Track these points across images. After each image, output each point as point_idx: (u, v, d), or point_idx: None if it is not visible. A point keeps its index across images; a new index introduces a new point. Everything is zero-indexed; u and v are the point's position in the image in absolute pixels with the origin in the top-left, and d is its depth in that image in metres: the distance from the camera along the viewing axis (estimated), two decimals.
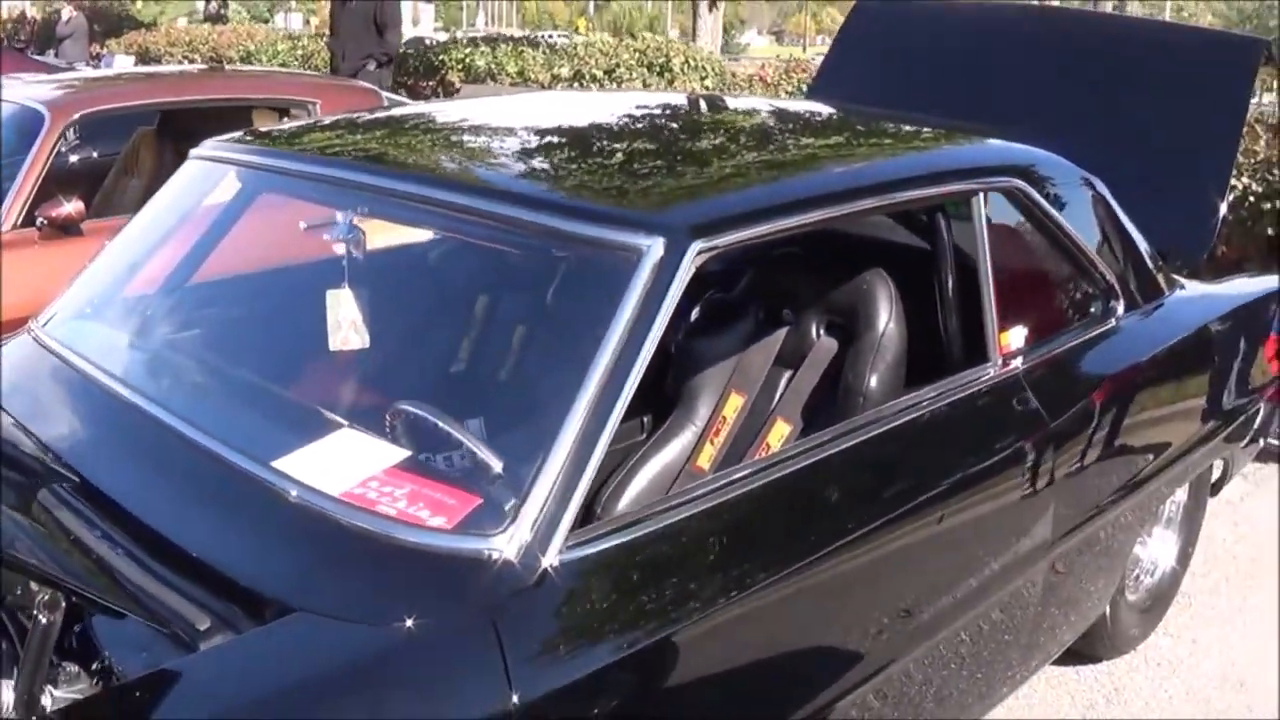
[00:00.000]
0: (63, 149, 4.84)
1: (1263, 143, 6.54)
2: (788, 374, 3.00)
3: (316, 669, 1.83)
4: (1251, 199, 6.29)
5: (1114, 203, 3.44)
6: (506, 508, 1.98)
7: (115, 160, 5.52)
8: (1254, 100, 6.93)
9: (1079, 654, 3.63)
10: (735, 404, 2.96)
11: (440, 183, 2.56)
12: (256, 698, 1.76)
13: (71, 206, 4.41)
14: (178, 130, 5.30)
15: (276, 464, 2.13)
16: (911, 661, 2.60)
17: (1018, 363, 2.89)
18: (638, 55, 11.95)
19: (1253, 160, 6.39)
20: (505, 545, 1.94)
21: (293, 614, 1.88)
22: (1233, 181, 5.45)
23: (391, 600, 1.89)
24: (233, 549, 2.03)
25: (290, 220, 2.75)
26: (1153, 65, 4.02)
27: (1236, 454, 3.95)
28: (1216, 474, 3.96)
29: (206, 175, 3.01)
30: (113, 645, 1.90)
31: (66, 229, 4.43)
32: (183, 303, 2.96)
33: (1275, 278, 4.12)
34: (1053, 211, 3.15)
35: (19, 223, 4.46)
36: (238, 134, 3.03)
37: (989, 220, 2.93)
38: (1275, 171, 6.35)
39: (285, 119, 5.48)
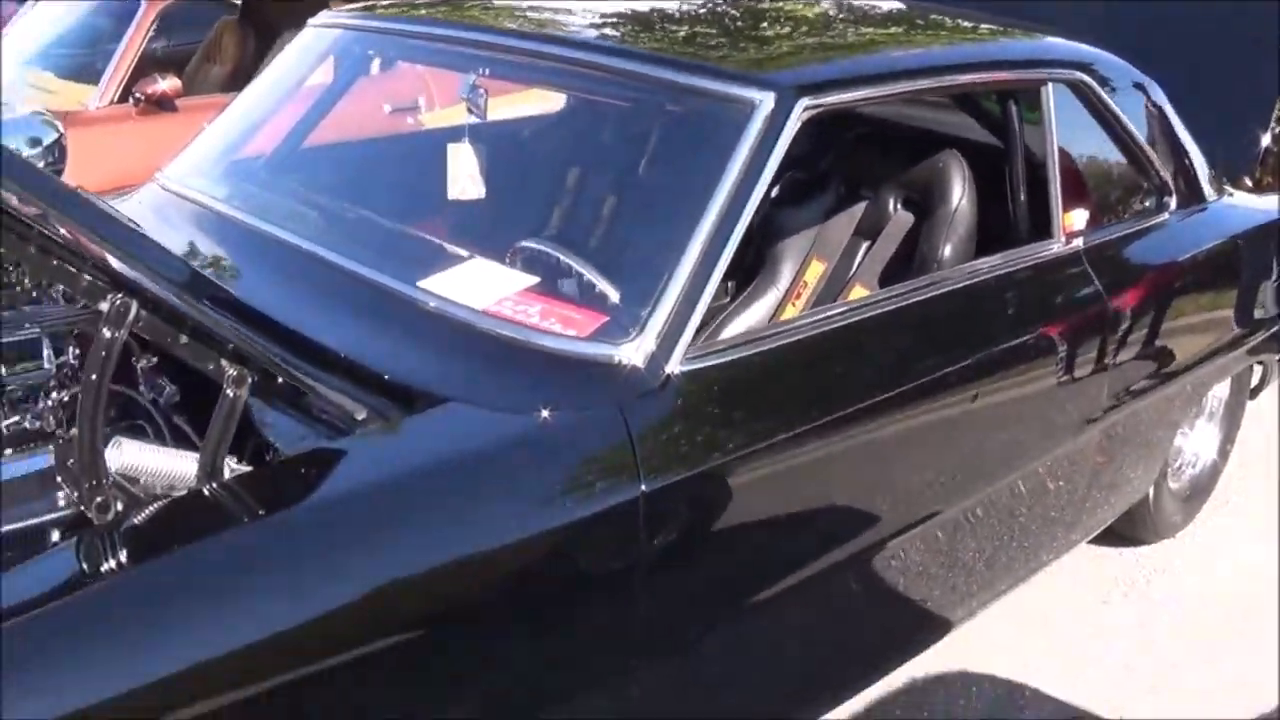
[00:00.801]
0: (153, 34, 5.04)
1: None
2: (866, 244, 3.22)
3: (466, 448, 2.05)
4: None
5: (1168, 107, 3.64)
6: (633, 322, 2.21)
7: (197, 48, 5.71)
8: None
9: (1122, 536, 3.90)
10: (816, 270, 3.19)
11: (560, 41, 2.77)
12: (413, 470, 1.99)
13: (167, 83, 4.64)
14: (258, 19, 5.50)
15: (421, 284, 2.35)
16: (963, 511, 2.83)
17: (1079, 242, 3.12)
18: None
19: None
20: (633, 353, 2.17)
21: (445, 403, 2.09)
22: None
23: (532, 395, 2.11)
24: (384, 354, 2.25)
25: (405, 84, 2.95)
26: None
27: (1272, 362, 4.15)
28: (1255, 379, 4.17)
29: (323, 41, 3.21)
30: (280, 429, 2.10)
31: (162, 105, 4.65)
32: (306, 158, 3.18)
33: None
34: (1113, 106, 3.36)
35: (116, 99, 4.68)
36: (356, 4, 3.23)
37: (1055, 109, 3.12)
38: None
39: None
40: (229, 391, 1.94)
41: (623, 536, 2.09)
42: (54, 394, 2.27)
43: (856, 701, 3.08)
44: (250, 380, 1.96)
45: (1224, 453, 4.14)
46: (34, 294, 2.46)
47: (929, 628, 2.98)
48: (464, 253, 2.53)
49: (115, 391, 2.26)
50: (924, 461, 2.69)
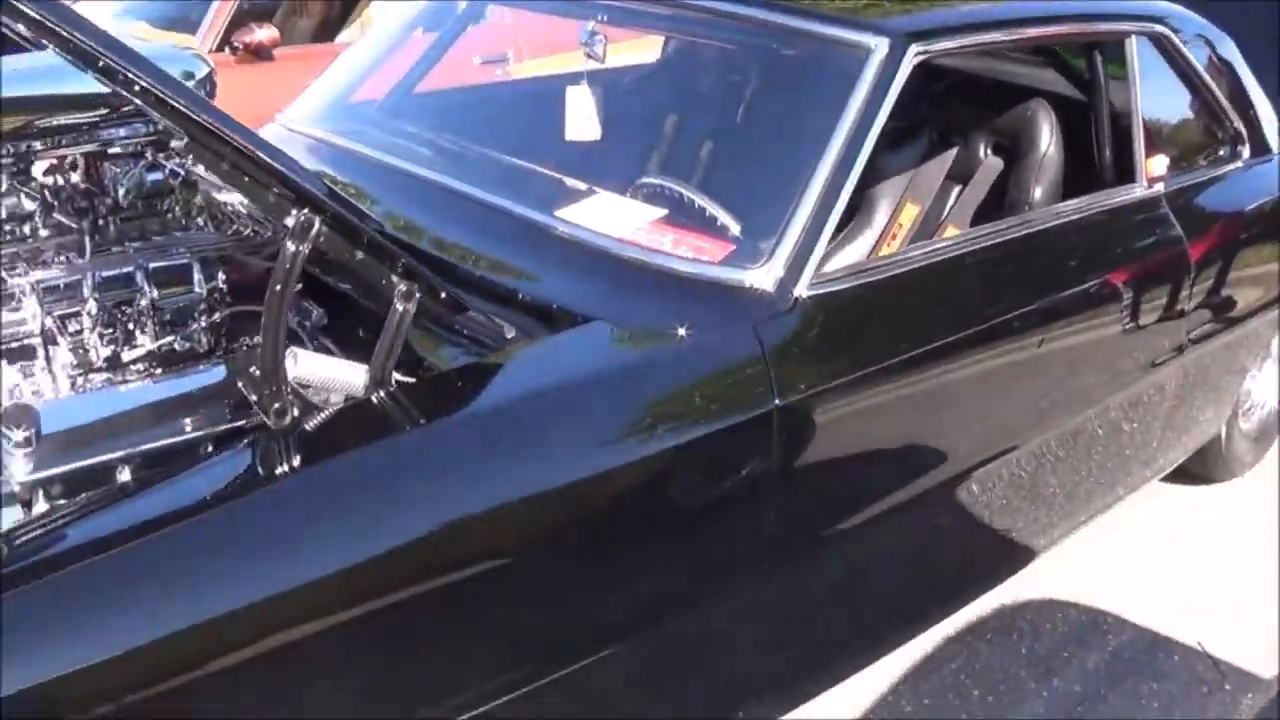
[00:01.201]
0: None
1: None
2: (957, 188, 3.37)
3: (610, 364, 2.22)
4: None
5: (1238, 59, 3.77)
6: (762, 250, 2.37)
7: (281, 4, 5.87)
8: None
9: (1195, 474, 4.07)
10: (910, 213, 3.33)
11: None
12: (561, 384, 2.17)
13: (265, 34, 4.80)
14: None
15: (558, 214, 2.51)
16: (1045, 443, 3.00)
17: (1160, 187, 3.26)
18: None
19: None
20: (763, 278, 2.33)
21: (588, 323, 2.25)
22: None
23: (673, 315, 2.28)
24: (526, 279, 2.40)
25: (513, 33, 3.09)
26: None
27: None
28: None
29: None
30: (434, 346, 2.29)
31: (259, 54, 4.80)
32: (421, 102, 3.35)
33: None
34: (1191, 58, 3.50)
35: (214, 48, 4.84)
36: None
37: (1142, 62, 3.26)
38: None
39: None
40: (398, 306, 2.10)
41: (757, 447, 2.25)
42: (204, 316, 2.43)
43: (951, 623, 3.27)
44: (418, 295, 2.11)
45: None
46: (183, 222, 2.63)
47: (1015, 554, 3.14)
48: (588, 188, 2.68)
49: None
50: (1012, 393, 2.84)
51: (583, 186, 2.72)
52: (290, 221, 1.98)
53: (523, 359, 2.24)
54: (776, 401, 2.24)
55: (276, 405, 2.02)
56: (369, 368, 2.12)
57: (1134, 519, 3.86)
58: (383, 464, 1.97)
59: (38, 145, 2.46)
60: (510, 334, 2.29)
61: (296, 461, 1.95)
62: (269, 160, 1.95)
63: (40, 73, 2.48)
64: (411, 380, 2.22)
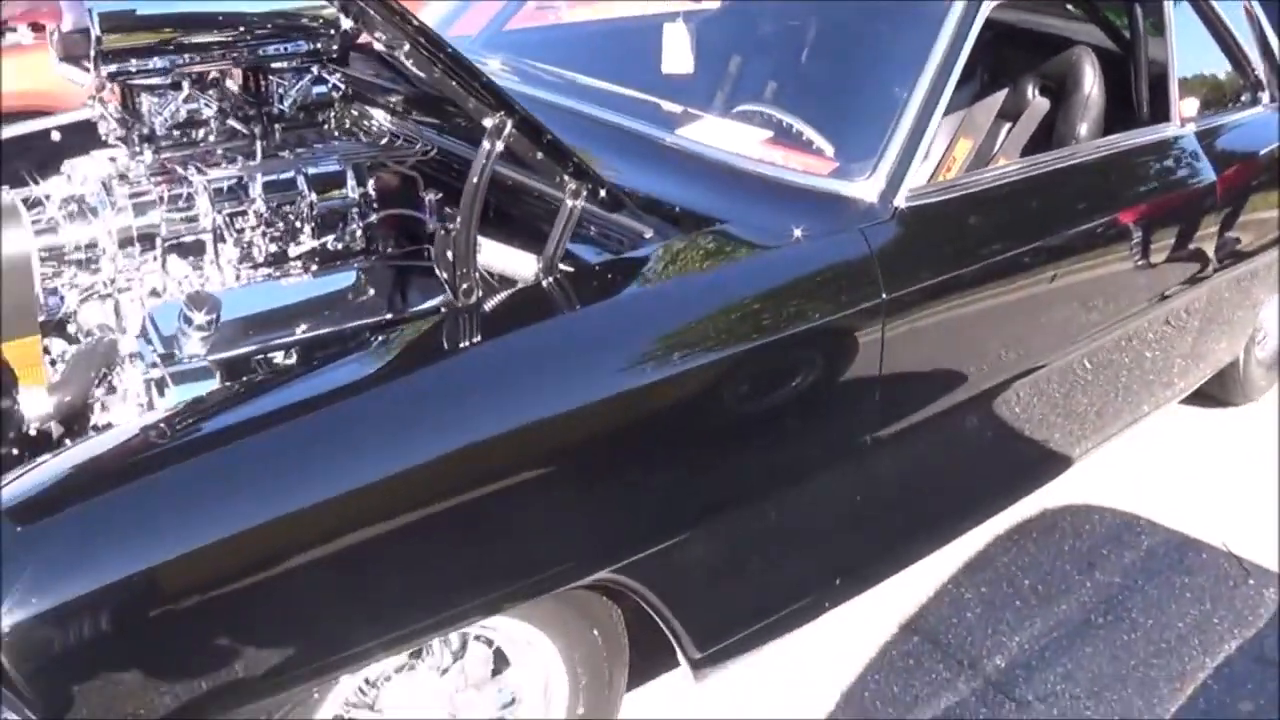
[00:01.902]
0: None
1: None
2: (1007, 125, 3.72)
3: (737, 261, 2.56)
4: None
5: (1262, 15, 4.14)
6: (866, 165, 2.72)
7: None
8: None
9: (1215, 398, 4.50)
10: (964, 147, 3.69)
11: None
12: (696, 277, 2.52)
13: None
14: None
15: (687, 133, 2.84)
16: (1088, 354, 3.36)
17: (1191, 126, 3.62)
18: None
19: None
20: (868, 190, 2.69)
21: (715, 225, 2.60)
22: None
23: (790, 220, 2.62)
24: (654, 189, 2.72)
25: None
26: None
27: None
28: None
29: None
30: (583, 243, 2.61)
31: None
32: (515, 39, 3.66)
33: None
34: (1219, 10, 3.84)
35: None
36: None
37: (1176, 10, 3.62)
38: None
39: None
40: (569, 201, 2.44)
41: (866, 336, 2.59)
42: (355, 218, 2.75)
43: (999, 524, 3.70)
44: (585, 193, 2.44)
45: None
46: (337, 133, 2.95)
47: (1056, 458, 3.50)
48: (697, 113, 3.02)
49: (408, 217, 2.78)
50: (1062, 305, 3.18)
51: (693, 111, 3.04)
52: (488, 122, 2.30)
53: (660, 256, 2.56)
54: (884, 295, 2.58)
55: (465, 285, 2.36)
56: (539, 257, 2.44)
57: (1161, 436, 4.27)
58: (549, 340, 2.30)
59: (217, 56, 2.75)
60: (648, 234, 2.61)
61: (476, 336, 2.28)
62: (473, 67, 2.28)
63: None
64: (572, 270, 2.53)
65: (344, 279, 2.73)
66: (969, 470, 3.25)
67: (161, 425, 1.98)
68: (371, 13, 2.20)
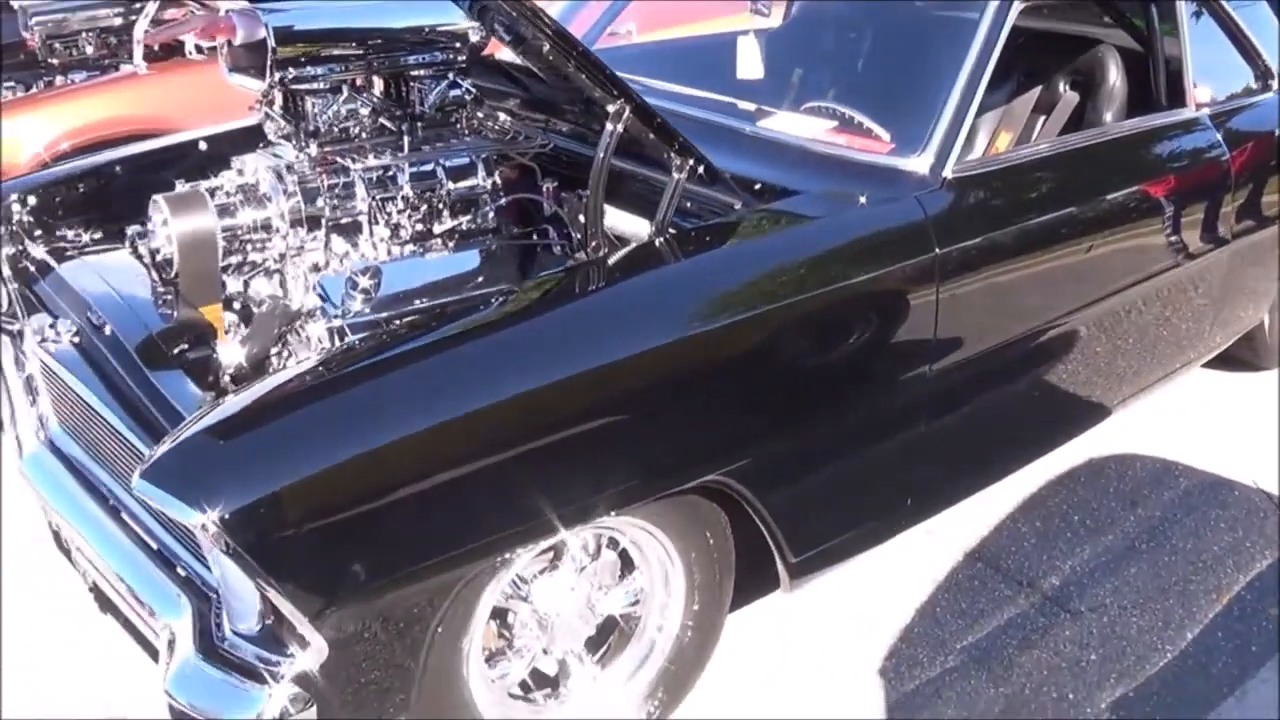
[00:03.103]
0: None
1: None
2: (1042, 118, 4.30)
3: (815, 222, 3.14)
4: None
5: (1269, 8, 4.71)
6: (918, 144, 3.31)
7: None
8: None
9: (1245, 362, 5.07)
10: (1005, 139, 4.27)
11: None
12: (780, 236, 3.11)
13: None
14: None
15: (765, 125, 3.45)
16: (1119, 311, 3.91)
17: (1205, 110, 4.19)
18: None
19: None
20: (921, 164, 3.28)
21: (795, 195, 3.18)
22: None
23: (854, 189, 3.20)
24: (744, 169, 3.31)
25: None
26: None
27: None
28: None
29: None
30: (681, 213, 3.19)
31: None
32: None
33: None
34: (1229, 8, 4.42)
35: None
36: None
37: (1189, 7, 4.20)
38: None
39: None
40: (675, 175, 3.03)
41: (922, 286, 3.16)
42: (485, 203, 3.35)
43: (1051, 469, 4.30)
44: (689, 167, 3.03)
45: None
46: (466, 131, 3.54)
47: (1098, 405, 4.08)
48: (770, 110, 3.62)
49: (528, 201, 3.38)
50: (1093, 267, 3.73)
51: (765, 108, 3.65)
52: (611, 108, 2.91)
53: (750, 221, 3.16)
54: (937, 250, 3.16)
55: (594, 242, 2.96)
56: (652, 222, 3.04)
57: (1195, 395, 4.86)
58: (660, 285, 2.91)
59: (368, 65, 3.35)
60: (738, 204, 3.20)
61: (604, 282, 2.89)
62: (599, 61, 2.88)
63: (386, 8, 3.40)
64: (674, 232, 3.11)
65: (476, 254, 3.32)
66: (1018, 409, 3.81)
67: (337, 361, 2.58)
68: (518, 16, 2.79)
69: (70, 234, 3.59)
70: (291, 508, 2.28)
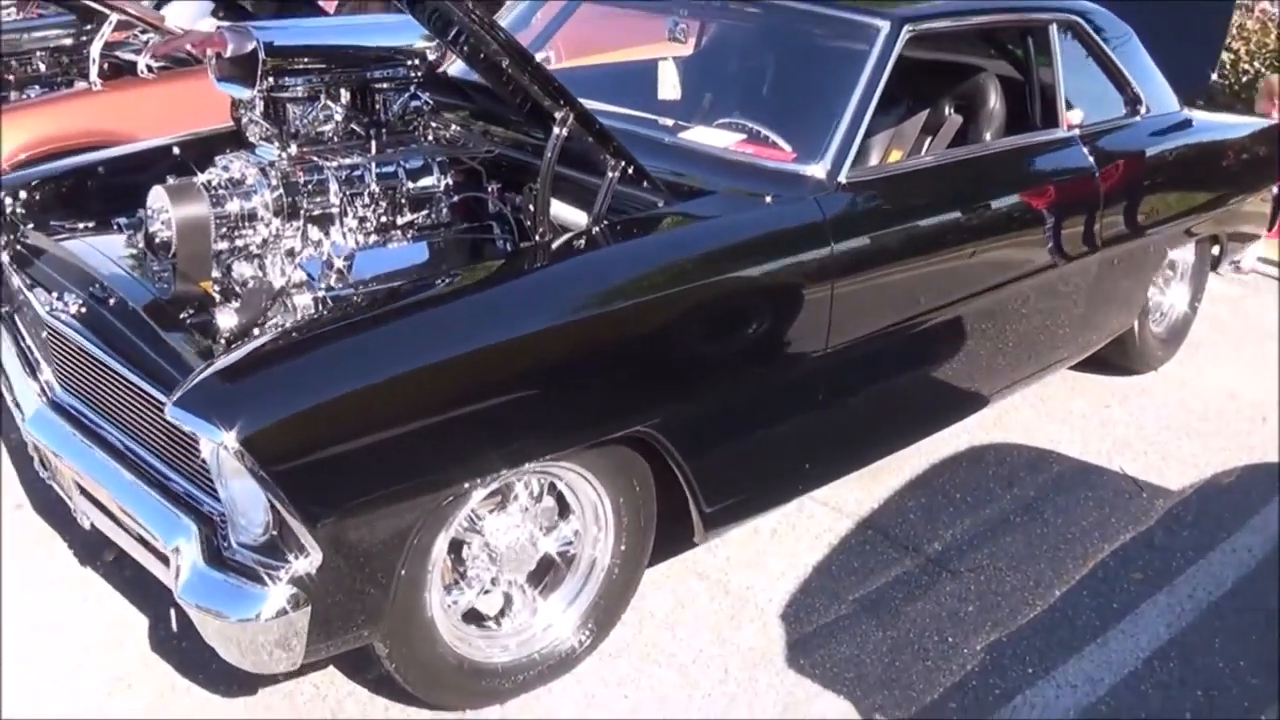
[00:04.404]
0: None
1: (1273, 36, 9.10)
2: (929, 138, 5.06)
3: (726, 217, 3.85)
4: (1260, 80, 8.92)
5: (1139, 45, 5.54)
6: (816, 154, 4.04)
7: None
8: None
9: (1118, 365, 5.90)
10: (895, 156, 5.02)
11: None
12: (695, 227, 3.80)
13: None
14: None
15: (684, 136, 4.19)
16: (997, 303, 4.66)
17: (1076, 130, 5.00)
18: None
19: (1263, 50, 9.17)
20: (819, 170, 4.01)
21: (710, 194, 3.91)
22: (1245, 65, 9.01)
23: (762, 189, 3.92)
24: (667, 171, 4.01)
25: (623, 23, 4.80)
26: None
27: (1226, 242, 6.09)
28: (1215, 253, 6.22)
29: None
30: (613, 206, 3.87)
31: None
32: None
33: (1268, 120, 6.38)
34: (1098, 40, 5.26)
35: None
36: None
37: (1061, 41, 5.00)
38: None
39: None
40: (610, 173, 3.72)
41: (819, 279, 3.88)
42: (440, 200, 4.04)
43: (935, 453, 5.09)
44: (621, 167, 3.74)
45: (1193, 306, 6.18)
46: (426, 136, 4.21)
47: (977, 392, 4.85)
48: (687, 124, 4.36)
49: (477, 198, 4.08)
50: (972, 262, 4.47)
51: (684, 124, 4.38)
52: (559, 114, 3.61)
53: (670, 216, 3.85)
54: (832, 244, 3.88)
55: (540, 229, 3.66)
56: (589, 213, 3.74)
57: (1069, 394, 5.68)
58: (595, 264, 3.60)
59: (341, 77, 3.98)
60: (661, 202, 3.91)
61: (548, 260, 3.59)
62: (548, 74, 3.59)
63: (356, 28, 4.11)
64: (608, 222, 3.79)
65: (430, 244, 4.00)
66: (905, 391, 4.55)
67: (325, 321, 3.25)
68: (482, 31, 3.48)
69: (64, 223, 4.23)
70: (296, 434, 2.93)
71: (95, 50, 6.48)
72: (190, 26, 6.89)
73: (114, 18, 6.59)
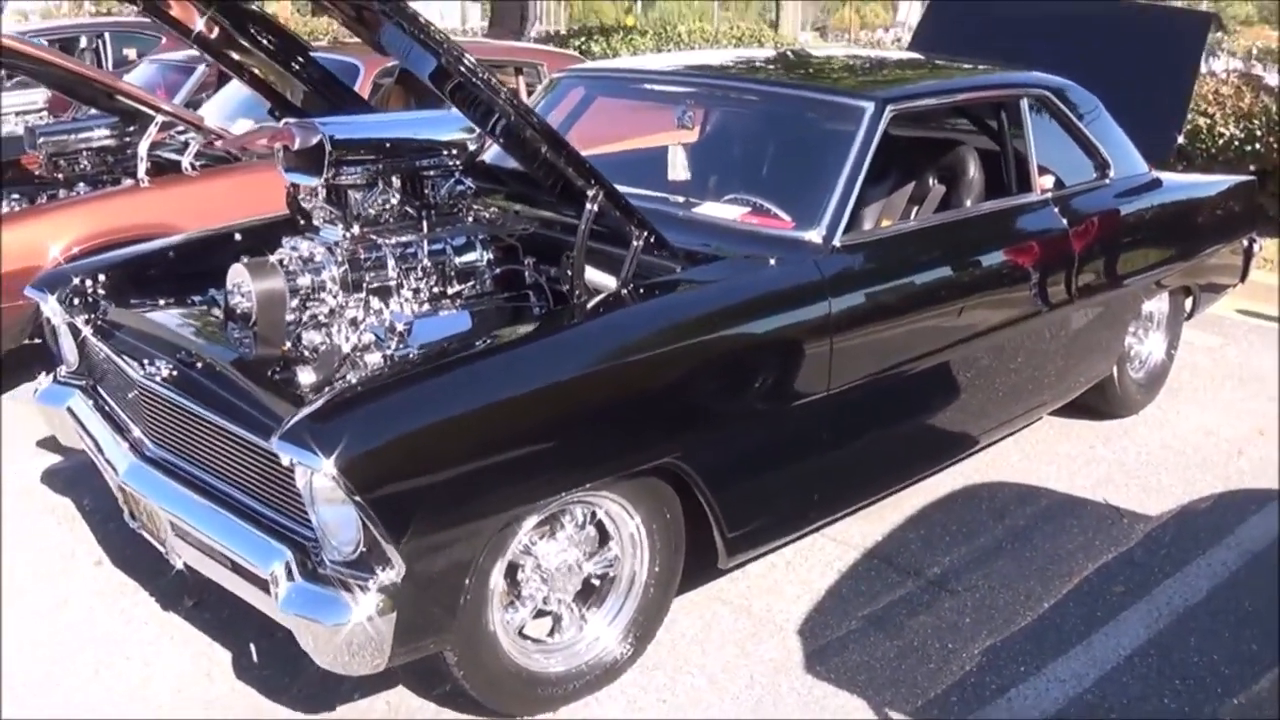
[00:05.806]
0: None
1: (1246, 99, 9.97)
2: (916, 207, 5.81)
3: (736, 277, 4.58)
4: (1235, 143, 9.81)
5: (1107, 114, 6.31)
6: (814, 221, 4.77)
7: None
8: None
9: (1099, 410, 6.66)
10: (886, 223, 5.75)
11: (743, 78, 5.42)
12: (709, 288, 4.52)
13: None
14: (416, 83, 8.05)
15: (696, 210, 4.95)
16: (982, 354, 5.39)
17: (1048, 194, 5.77)
18: (736, 40, 20.68)
19: (1235, 113, 9.89)
20: (817, 236, 4.74)
21: (721, 259, 4.65)
22: (1221, 129, 9.64)
23: (766, 252, 4.65)
24: (683, 241, 4.73)
25: (634, 115, 5.58)
26: (1130, 33, 6.94)
27: (1199, 292, 6.86)
28: (1189, 305, 6.99)
29: (566, 87, 5.87)
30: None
31: None
32: None
33: (1240, 177, 7.21)
34: (1067, 111, 6.05)
35: None
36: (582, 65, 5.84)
37: (1032, 114, 5.77)
38: (1254, 121, 9.83)
39: (519, 77, 8.47)
40: (635, 242, 4.45)
41: (820, 331, 4.58)
42: (484, 273, 4.78)
43: (931, 494, 5.83)
44: (645, 237, 4.48)
45: (1169, 354, 6.93)
46: (469, 216, 4.93)
47: (968, 435, 5.58)
48: (698, 200, 5.11)
49: (514, 272, 4.81)
50: (958, 318, 5.19)
51: (694, 200, 5.14)
52: (590, 191, 4.35)
53: (687, 277, 4.57)
54: (830, 300, 4.60)
55: (578, 291, 4.39)
56: (618, 277, 4.46)
57: (1053, 437, 6.43)
58: (624, 320, 4.29)
59: (394, 166, 4.70)
60: (679, 267, 4.64)
61: (584, 318, 4.28)
62: (581, 156, 4.33)
63: (404, 123, 4.88)
64: (633, 285, 4.51)
65: (476, 312, 4.71)
66: (900, 433, 5.25)
67: (397, 367, 4.00)
68: (521, 121, 4.21)
69: (141, 301, 4.97)
70: (384, 462, 3.60)
71: (143, 148, 7.27)
72: (224, 125, 7.70)
73: (159, 119, 7.38)
